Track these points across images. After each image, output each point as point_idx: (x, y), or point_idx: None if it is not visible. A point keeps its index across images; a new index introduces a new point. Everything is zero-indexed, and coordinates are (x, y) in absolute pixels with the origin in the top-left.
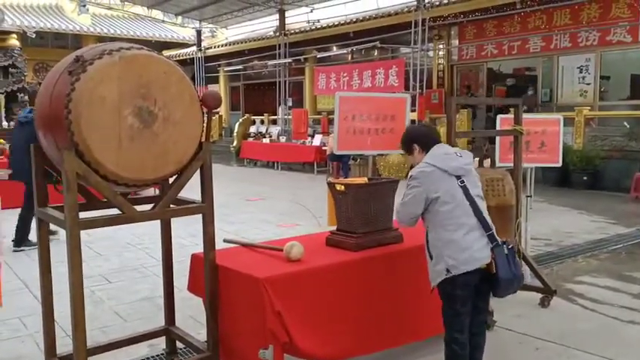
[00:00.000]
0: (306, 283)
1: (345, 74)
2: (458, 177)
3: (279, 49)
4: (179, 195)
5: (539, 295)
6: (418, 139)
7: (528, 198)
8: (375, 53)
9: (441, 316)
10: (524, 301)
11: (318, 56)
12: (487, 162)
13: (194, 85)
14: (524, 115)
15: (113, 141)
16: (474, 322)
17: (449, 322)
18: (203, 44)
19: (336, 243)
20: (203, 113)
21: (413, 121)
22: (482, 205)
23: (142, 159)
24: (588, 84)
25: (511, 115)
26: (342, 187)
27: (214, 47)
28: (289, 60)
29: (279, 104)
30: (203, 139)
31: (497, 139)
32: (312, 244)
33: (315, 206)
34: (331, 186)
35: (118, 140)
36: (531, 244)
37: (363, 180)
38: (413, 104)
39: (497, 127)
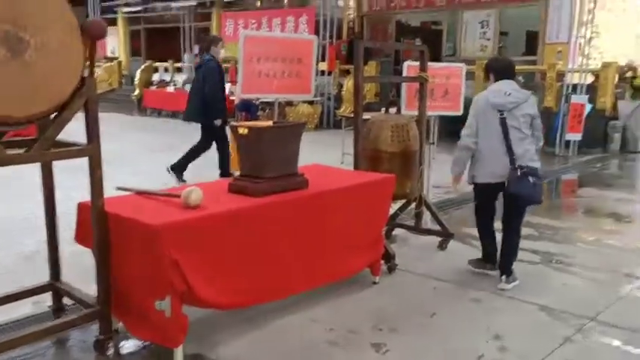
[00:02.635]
0: (206, 229)
1: (253, 21)
2: (500, 111)
3: None
4: (66, 140)
5: (439, 239)
6: (494, 70)
7: (431, 145)
8: (285, 1)
9: (348, 260)
10: (425, 245)
11: (225, 0)
12: (393, 109)
13: None
14: (430, 64)
15: None
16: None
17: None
18: None
19: (239, 189)
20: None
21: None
22: (515, 135)
23: (8, 93)
24: (488, 39)
25: (417, 63)
26: (245, 130)
27: None
28: (193, 3)
29: (185, 51)
30: (86, 74)
31: (403, 86)
32: (214, 190)
33: None
34: (234, 130)
35: None
36: (433, 192)
37: (268, 124)
38: (323, 55)
39: (404, 75)
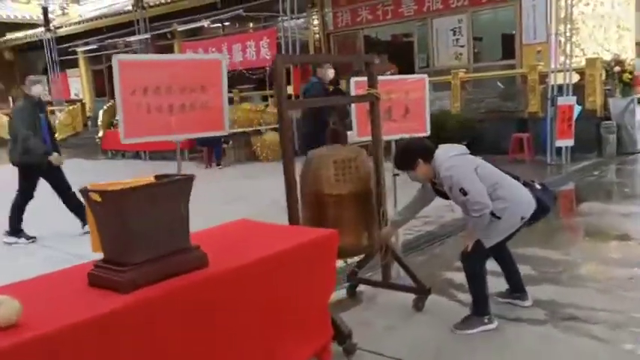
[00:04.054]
0: None
1: (213, 49)
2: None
3: (138, 24)
4: None
5: (413, 296)
6: (420, 153)
7: (396, 177)
8: (250, 26)
9: (284, 353)
10: (397, 303)
11: (179, 29)
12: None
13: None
14: (382, 78)
15: None
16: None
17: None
18: (53, 23)
19: (101, 281)
20: None
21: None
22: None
23: None
24: (462, 46)
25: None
26: (98, 196)
27: (66, 26)
28: (147, 36)
29: None
30: None
31: (353, 109)
32: (63, 285)
33: None
34: (85, 195)
35: None
36: (409, 225)
37: (148, 180)
38: (288, 79)
39: (352, 94)
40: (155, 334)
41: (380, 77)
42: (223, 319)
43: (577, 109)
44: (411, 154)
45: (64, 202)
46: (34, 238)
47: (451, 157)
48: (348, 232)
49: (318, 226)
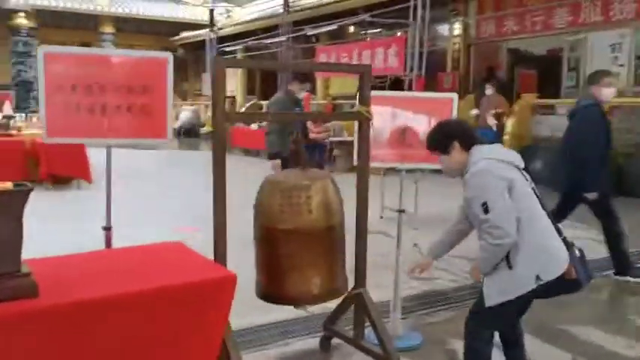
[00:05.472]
0: None
1: (344, 54)
2: (519, 169)
3: (283, 27)
4: None
5: None
6: (459, 135)
7: (401, 213)
8: (399, 34)
9: None
10: None
11: (309, 33)
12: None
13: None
14: (398, 94)
15: None
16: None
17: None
18: (218, 25)
19: None
20: None
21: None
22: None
23: None
24: (621, 65)
25: (383, 93)
26: None
27: (224, 28)
28: (283, 38)
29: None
30: None
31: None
32: None
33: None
34: None
35: None
36: (459, 271)
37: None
38: (409, 89)
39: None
40: None
41: (396, 93)
42: None
43: None
44: (449, 134)
45: None
46: None
47: (490, 159)
48: (296, 277)
49: (268, 266)
